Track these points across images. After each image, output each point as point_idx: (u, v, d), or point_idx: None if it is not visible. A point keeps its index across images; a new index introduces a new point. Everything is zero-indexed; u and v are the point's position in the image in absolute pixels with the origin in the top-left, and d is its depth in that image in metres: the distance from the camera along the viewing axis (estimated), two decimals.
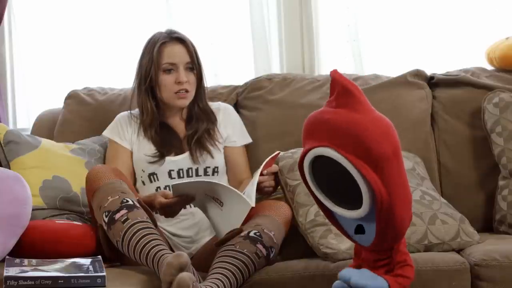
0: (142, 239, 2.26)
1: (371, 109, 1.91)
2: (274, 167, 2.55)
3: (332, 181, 1.94)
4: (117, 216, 2.31)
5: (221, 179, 2.71)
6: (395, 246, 1.97)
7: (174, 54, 2.71)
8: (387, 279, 1.94)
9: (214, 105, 2.83)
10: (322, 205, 2.02)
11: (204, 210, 2.50)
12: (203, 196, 2.45)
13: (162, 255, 2.21)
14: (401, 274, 1.96)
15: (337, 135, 1.88)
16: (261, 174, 2.48)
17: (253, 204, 2.35)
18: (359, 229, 1.97)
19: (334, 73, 1.92)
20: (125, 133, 2.75)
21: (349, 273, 1.95)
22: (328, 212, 2.03)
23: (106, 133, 2.79)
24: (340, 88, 1.90)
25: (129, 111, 2.80)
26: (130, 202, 2.34)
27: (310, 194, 2.02)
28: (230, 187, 2.43)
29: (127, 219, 2.30)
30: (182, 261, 2.09)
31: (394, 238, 1.95)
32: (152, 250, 2.23)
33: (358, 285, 1.91)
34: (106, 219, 2.33)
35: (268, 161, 2.50)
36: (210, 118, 2.77)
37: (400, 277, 1.96)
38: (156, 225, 2.36)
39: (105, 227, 2.34)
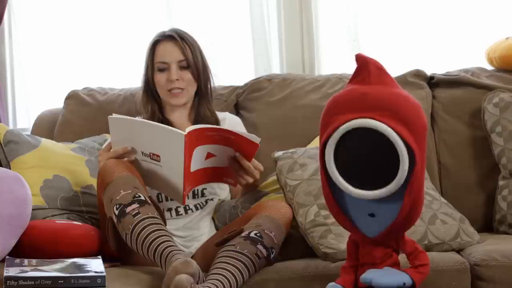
0: (152, 234, 2.25)
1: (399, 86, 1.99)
2: (258, 165, 2.54)
3: (353, 164, 1.94)
4: (128, 209, 2.30)
5: (225, 186, 2.73)
6: (402, 236, 2.00)
7: (165, 53, 2.70)
8: (409, 274, 1.95)
9: (220, 115, 2.80)
10: (329, 194, 2.00)
11: (153, 181, 2.49)
12: (142, 157, 2.45)
13: (171, 251, 2.20)
14: (420, 264, 1.98)
15: (380, 107, 1.90)
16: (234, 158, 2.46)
17: (185, 132, 2.33)
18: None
19: (362, 55, 1.98)
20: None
21: (370, 274, 1.95)
22: (335, 202, 2.01)
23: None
24: (373, 67, 1.95)
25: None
26: (142, 198, 2.33)
27: (322, 180, 2.00)
28: (160, 124, 2.43)
29: (138, 213, 2.29)
30: (190, 271, 2.08)
31: (413, 220, 1.98)
32: (161, 246, 2.22)
33: (381, 284, 1.92)
34: (116, 212, 2.32)
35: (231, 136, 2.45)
36: (217, 122, 2.74)
37: (420, 266, 1.98)
38: (165, 223, 2.35)
39: (115, 220, 2.33)
